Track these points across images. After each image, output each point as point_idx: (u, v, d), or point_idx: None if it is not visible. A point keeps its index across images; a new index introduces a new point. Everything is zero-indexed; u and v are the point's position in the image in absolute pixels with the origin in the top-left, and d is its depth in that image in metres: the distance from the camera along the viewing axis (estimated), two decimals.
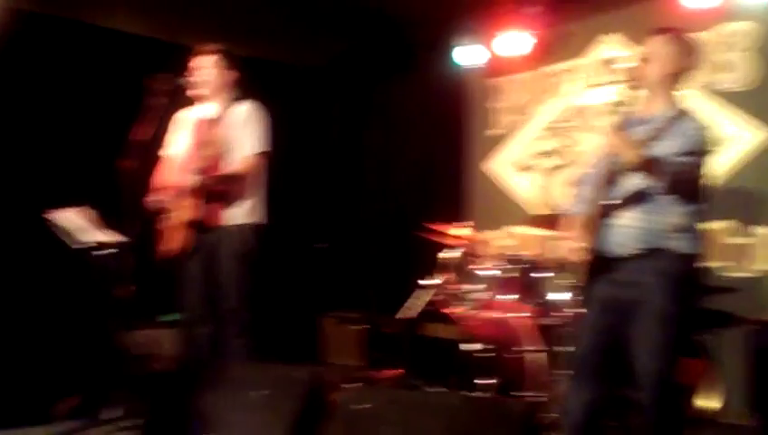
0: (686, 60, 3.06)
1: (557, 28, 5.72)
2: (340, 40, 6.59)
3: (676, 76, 3.05)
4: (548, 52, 5.77)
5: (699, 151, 2.91)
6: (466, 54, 5.99)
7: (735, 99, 4.71)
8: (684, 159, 2.86)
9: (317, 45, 6.67)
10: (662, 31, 3.08)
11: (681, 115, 3.00)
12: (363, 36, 6.51)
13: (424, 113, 6.61)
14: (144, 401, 4.06)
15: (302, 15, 6.11)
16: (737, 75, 4.73)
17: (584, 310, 3.27)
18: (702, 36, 4.82)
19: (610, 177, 3.08)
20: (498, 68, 6.07)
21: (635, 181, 2.99)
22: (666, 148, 2.90)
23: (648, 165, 2.85)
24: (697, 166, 2.89)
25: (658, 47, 3.04)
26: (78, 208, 4.35)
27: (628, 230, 2.99)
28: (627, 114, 3.05)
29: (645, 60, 3.04)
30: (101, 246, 4.27)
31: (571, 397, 3.19)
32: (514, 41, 5.66)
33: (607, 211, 3.05)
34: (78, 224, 4.29)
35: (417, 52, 6.48)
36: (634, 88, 3.04)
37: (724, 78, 4.77)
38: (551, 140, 5.78)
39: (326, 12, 6.07)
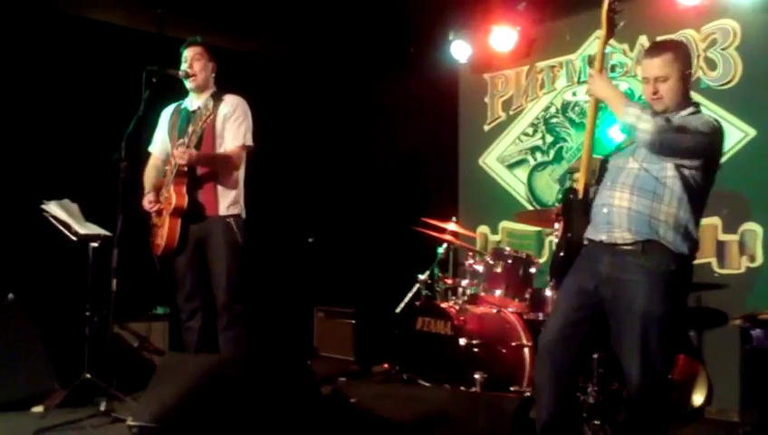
0: (689, 66, 3.05)
1: (548, 24, 5.75)
2: (333, 34, 6.57)
3: (686, 84, 3.04)
4: (539, 47, 5.80)
5: (691, 126, 2.85)
6: (460, 49, 6.00)
7: (717, 97, 4.75)
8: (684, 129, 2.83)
9: (311, 39, 6.64)
10: (660, 48, 3.06)
11: (694, 115, 2.98)
12: (356, 30, 6.49)
13: (418, 108, 6.61)
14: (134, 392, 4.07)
15: (294, 8, 6.08)
16: (719, 73, 4.78)
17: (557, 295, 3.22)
18: (687, 34, 4.88)
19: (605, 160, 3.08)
20: (491, 63, 6.08)
21: (633, 164, 2.96)
22: None
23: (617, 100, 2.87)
24: (697, 144, 2.82)
25: (668, 66, 2.97)
26: (59, 201, 4.36)
27: (621, 211, 2.93)
28: None
29: (656, 81, 2.98)
30: (85, 238, 4.28)
31: (539, 386, 3.14)
32: (506, 36, 5.68)
33: (601, 193, 3.03)
34: (61, 216, 4.29)
35: (412, 46, 6.47)
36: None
37: (707, 76, 4.82)
38: (539, 135, 5.82)
39: (319, 5, 6.05)
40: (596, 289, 3.00)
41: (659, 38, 3.22)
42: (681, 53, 3.03)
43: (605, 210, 2.99)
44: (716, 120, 2.96)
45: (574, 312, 3.04)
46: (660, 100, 2.98)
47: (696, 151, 2.86)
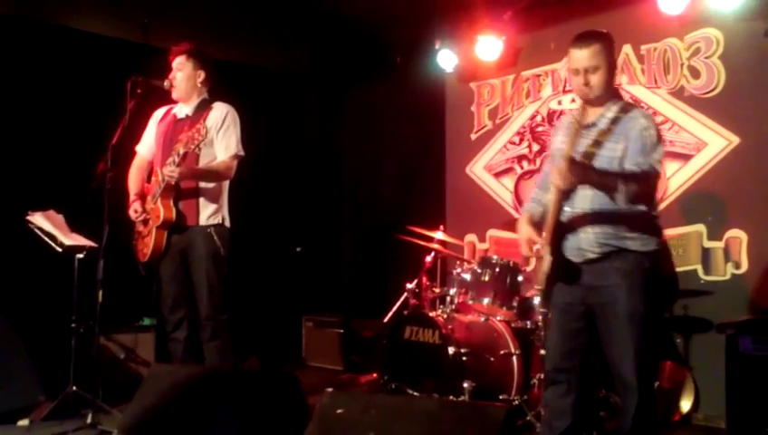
0: (615, 55, 3.09)
1: (534, 33, 5.78)
2: (318, 44, 6.58)
3: (613, 74, 3.10)
4: (525, 56, 5.83)
5: (646, 152, 2.91)
6: (446, 58, 6.02)
7: (701, 105, 4.79)
8: (631, 166, 2.88)
9: (296, 49, 6.65)
10: (588, 38, 3.06)
11: (624, 112, 3.02)
12: (341, 40, 6.51)
13: (404, 117, 6.62)
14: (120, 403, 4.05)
15: (279, 19, 6.09)
16: (703, 82, 4.82)
17: (549, 313, 3.28)
18: (671, 43, 4.92)
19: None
20: (477, 72, 6.10)
21: (586, 188, 2.96)
22: (609, 151, 2.95)
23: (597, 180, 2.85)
24: (648, 170, 2.87)
25: (597, 56, 3.01)
26: (44, 212, 4.33)
27: (586, 236, 3.00)
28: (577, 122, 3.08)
29: (587, 72, 3.02)
30: (70, 249, 4.26)
31: (549, 402, 3.21)
32: (492, 45, 5.70)
33: (565, 220, 3.05)
34: (46, 227, 4.27)
35: (396, 55, 6.49)
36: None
37: (691, 84, 4.85)
38: (525, 144, 5.84)
39: (304, 15, 6.07)
40: (582, 300, 3.06)
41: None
42: (609, 43, 3.08)
43: (572, 237, 3.04)
44: (651, 117, 3.05)
45: (567, 325, 3.11)
46: (590, 89, 3.04)
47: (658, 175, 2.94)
